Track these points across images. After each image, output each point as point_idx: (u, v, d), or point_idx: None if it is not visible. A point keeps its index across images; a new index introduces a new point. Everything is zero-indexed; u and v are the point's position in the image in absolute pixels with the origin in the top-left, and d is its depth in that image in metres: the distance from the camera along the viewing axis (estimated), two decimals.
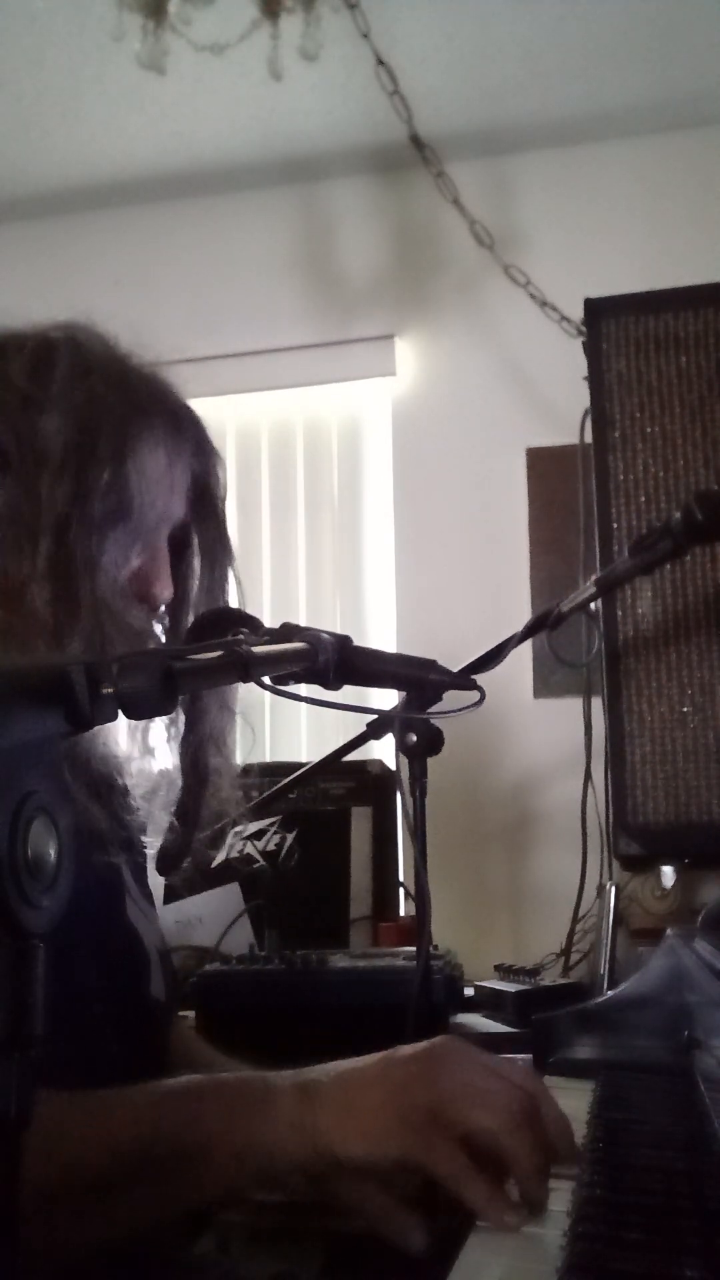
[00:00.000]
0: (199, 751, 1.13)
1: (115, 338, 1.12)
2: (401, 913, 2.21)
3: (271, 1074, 0.89)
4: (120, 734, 1.06)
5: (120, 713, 0.63)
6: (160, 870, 1.15)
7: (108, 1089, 0.86)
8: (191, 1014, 1.54)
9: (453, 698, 1.16)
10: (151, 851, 1.16)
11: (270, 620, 1.07)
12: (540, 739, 2.59)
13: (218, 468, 1.17)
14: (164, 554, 1.12)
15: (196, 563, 1.17)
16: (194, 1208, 0.90)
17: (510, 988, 1.73)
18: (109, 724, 0.98)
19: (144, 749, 1.07)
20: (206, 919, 1.89)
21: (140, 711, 0.64)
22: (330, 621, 2.87)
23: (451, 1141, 0.80)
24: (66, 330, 1.10)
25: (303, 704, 0.99)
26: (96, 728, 0.94)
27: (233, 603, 1.16)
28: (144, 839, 1.13)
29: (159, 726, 1.12)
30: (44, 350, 1.07)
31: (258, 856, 1.95)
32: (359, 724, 1.44)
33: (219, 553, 1.18)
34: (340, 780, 2.16)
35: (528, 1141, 0.80)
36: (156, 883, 1.23)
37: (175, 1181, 0.85)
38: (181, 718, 1.13)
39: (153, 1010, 1.10)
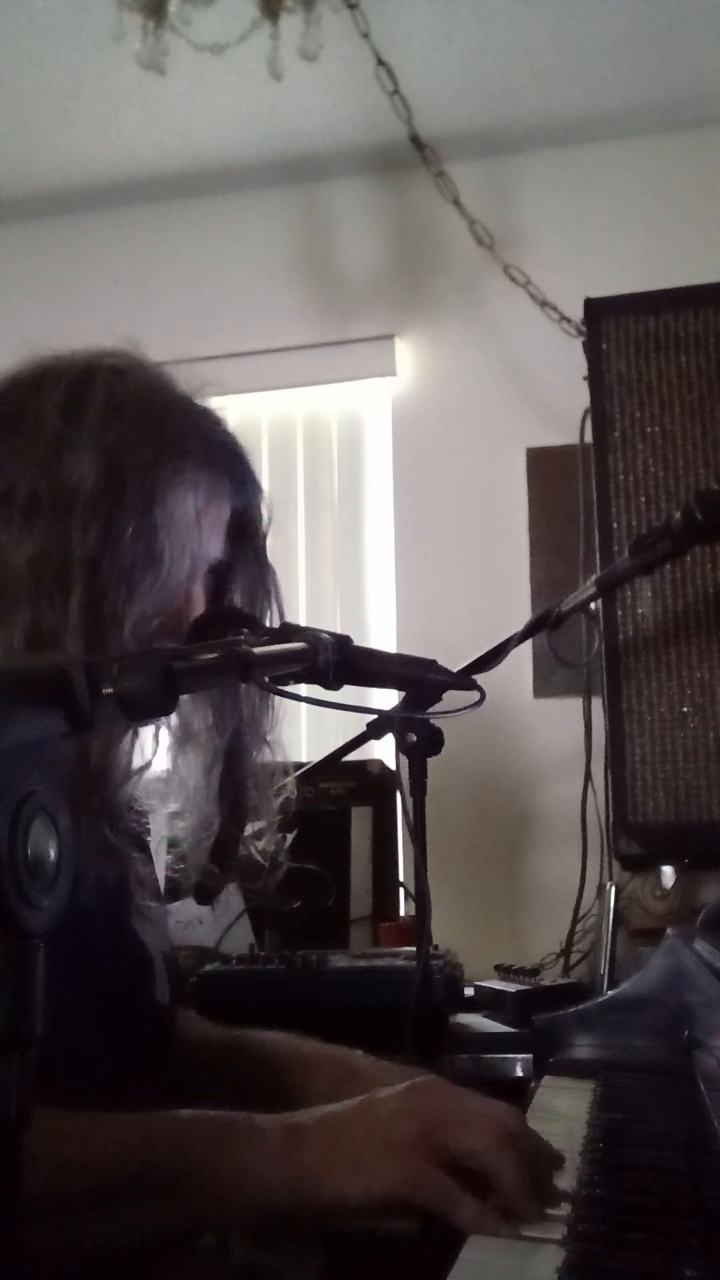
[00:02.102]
0: (239, 794, 1.12)
1: (159, 367, 1.10)
2: (401, 913, 2.21)
3: (259, 1115, 0.90)
4: (142, 746, 1.05)
5: (123, 715, 0.62)
6: (199, 901, 1.15)
7: (97, 1111, 0.86)
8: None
9: (453, 698, 1.16)
10: (165, 858, 1.16)
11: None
12: (540, 739, 2.59)
13: (259, 502, 1.14)
14: (198, 597, 1.09)
15: (238, 599, 1.15)
16: (178, 1234, 0.91)
17: (510, 988, 1.74)
18: (127, 736, 0.99)
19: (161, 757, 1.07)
20: (206, 919, 1.88)
21: (140, 711, 0.64)
22: (330, 621, 2.87)
23: (436, 1167, 0.82)
24: (109, 360, 1.07)
25: (303, 704, 0.99)
26: (107, 736, 0.94)
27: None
28: (150, 840, 1.13)
29: (196, 754, 1.10)
30: (81, 385, 1.04)
31: (258, 857, 1.94)
32: (359, 724, 1.44)
33: (260, 587, 1.16)
34: (340, 780, 2.16)
35: (511, 1158, 0.81)
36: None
37: (158, 1210, 0.85)
38: (218, 749, 1.11)
39: (156, 1014, 1.10)
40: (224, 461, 1.11)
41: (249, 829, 1.14)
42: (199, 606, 1.10)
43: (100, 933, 1.00)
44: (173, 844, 1.13)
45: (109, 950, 1.03)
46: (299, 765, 1.80)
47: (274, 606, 1.16)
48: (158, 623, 1.04)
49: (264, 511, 1.15)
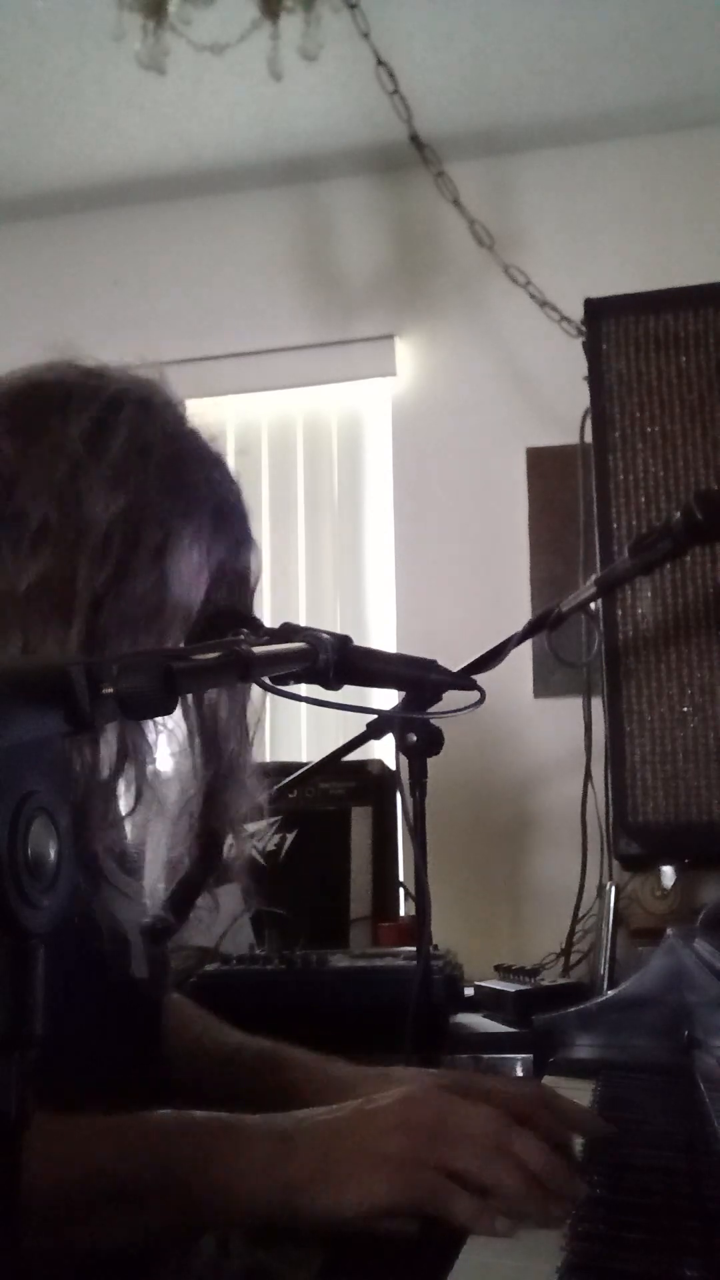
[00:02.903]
0: (212, 839, 1.11)
1: (181, 405, 1.08)
2: (401, 913, 2.21)
3: (245, 1118, 0.88)
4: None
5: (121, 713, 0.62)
6: (151, 941, 1.13)
7: (76, 1115, 0.85)
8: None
9: (453, 698, 1.16)
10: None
11: (270, 620, 1.07)
12: (540, 739, 2.59)
13: (255, 561, 1.13)
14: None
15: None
16: (162, 1241, 0.90)
17: (510, 988, 1.73)
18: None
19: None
20: (206, 919, 1.88)
21: (140, 711, 0.64)
22: (330, 621, 2.87)
23: (431, 1172, 0.81)
24: (137, 392, 1.06)
25: (303, 704, 0.98)
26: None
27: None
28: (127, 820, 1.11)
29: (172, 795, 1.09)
30: (108, 416, 1.02)
31: (258, 857, 1.95)
32: (359, 724, 1.44)
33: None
34: (340, 780, 2.16)
35: (507, 1170, 0.81)
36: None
37: (139, 1217, 0.85)
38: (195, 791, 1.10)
39: (135, 990, 1.09)
40: (231, 519, 1.10)
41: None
42: None
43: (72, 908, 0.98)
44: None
45: (80, 925, 1.01)
46: (299, 765, 1.80)
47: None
48: None
49: (257, 570, 1.14)
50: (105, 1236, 0.85)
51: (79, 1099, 0.83)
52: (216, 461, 1.10)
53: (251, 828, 1.16)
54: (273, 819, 2.01)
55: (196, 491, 1.06)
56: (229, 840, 1.11)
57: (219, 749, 1.10)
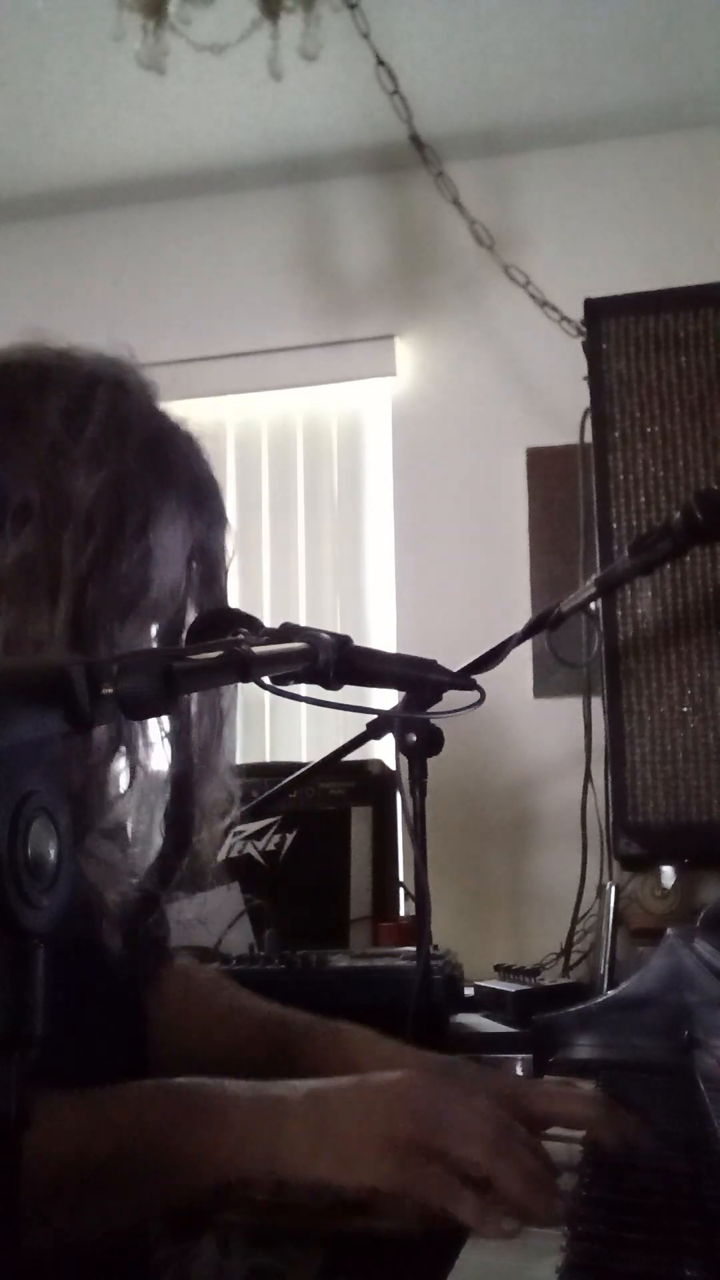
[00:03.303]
0: (184, 827, 1.09)
1: (154, 383, 1.08)
2: (401, 913, 2.21)
3: (229, 1082, 0.87)
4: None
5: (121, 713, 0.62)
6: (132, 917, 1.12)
7: (53, 1093, 0.85)
8: None
9: (453, 698, 1.16)
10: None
11: (270, 620, 1.07)
12: (540, 739, 2.59)
13: (228, 541, 1.13)
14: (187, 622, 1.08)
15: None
16: (150, 1215, 0.89)
17: (510, 988, 1.74)
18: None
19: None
20: (206, 919, 1.88)
21: (140, 711, 0.64)
22: (330, 621, 2.87)
23: (436, 1166, 0.80)
24: (112, 371, 1.06)
25: (303, 704, 0.98)
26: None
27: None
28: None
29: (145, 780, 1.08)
30: (84, 395, 1.02)
31: (258, 857, 1.95)
32: (359, 724, 1.44)
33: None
34: (340, 780, 2.16)
35: (513, 1165, 0.80)
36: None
37: (123, 1191, 0.83)
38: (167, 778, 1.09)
39: (105, 959, 1.06)
40: (208, 497, 1.10)
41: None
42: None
43: None
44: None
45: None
46: (299, 765, 1.80)
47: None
48: (141, 643, 1.03)
49: (229, 550, 1.14)
50: (92, 1221, 0.83)
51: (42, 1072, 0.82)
52: (190, 439, 1.10)
53: (251, 828, 1.16)
54: (272, 819, 2.01)
55: (175, 469, 1.06)
56: (201, 832, 1.10)
57: (188, 736, 1.09)
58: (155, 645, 1.07)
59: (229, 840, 1.95)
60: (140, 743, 1.02)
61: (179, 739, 1.09)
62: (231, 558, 1.14)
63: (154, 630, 1.05)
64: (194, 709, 1.09)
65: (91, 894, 1.03)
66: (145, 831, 1.06)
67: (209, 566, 1.10)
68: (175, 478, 1.06)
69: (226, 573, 1.13)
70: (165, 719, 1.07)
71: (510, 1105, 0.88)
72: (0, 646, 0.95)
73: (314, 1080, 0.88)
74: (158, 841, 1.07)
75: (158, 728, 1.06)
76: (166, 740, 1.07)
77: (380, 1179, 0.81)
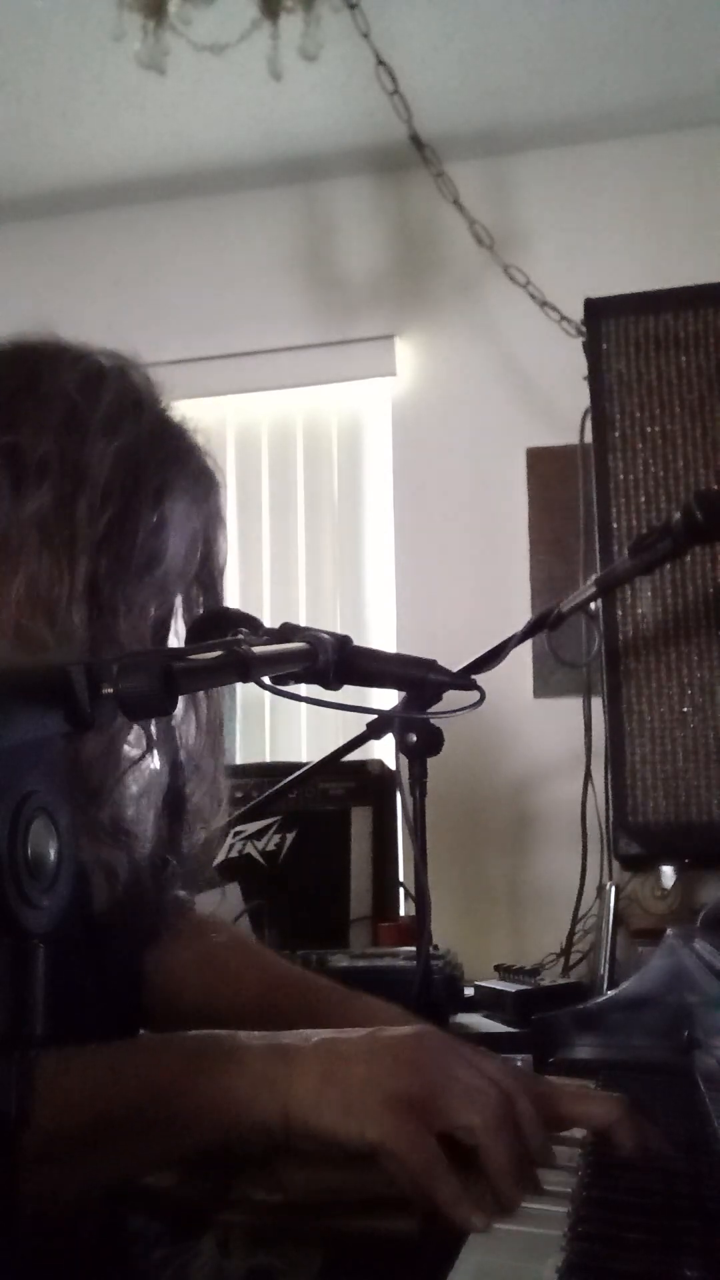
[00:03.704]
0: (175, 836, 1.09)
1: (158, 383, 1.10)
2: (401, 913, 2.21)
3: (241, 1032, 0.87)
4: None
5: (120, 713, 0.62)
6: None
7: (61, 1049, 0.85)
8: None
9: (453, 698, 1.16)
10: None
11: (270, 620, 1.07)
12: (540, 739, 2.59)
13: (224, 539, 1.14)
14: (176, 613, 1.09)
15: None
16: (163, 1166, 0.89)
17: (510, 988, 1.73)
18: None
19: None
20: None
21: (140, 711, 0.64)
22: (330, 621, 2.87)
23: (428, 1133, 0.80)
24: (115, 359, 1.08)
25: (303, 704, 0.99)
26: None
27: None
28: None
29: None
30: (96, 372, 1.05)
31: (258, 857, 1.95)
32: (359, 724, 1.44)
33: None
34: (340, 780, 2.16)
35: (505, 1143, 0.80)
36: None
37: (136, 1141, 0.84)
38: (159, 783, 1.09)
39: (93, 927, 1.06)
40: (209, 490, 1.11)
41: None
42: (174, 624, 1.09)
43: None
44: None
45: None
46: (299, 765, 1.80)
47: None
48: (154, 618, 1.04)
49: (225, 548, 1.14)
50: (97, 1172, 0.84)
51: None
52: (195, 433, 1.11)
53: (251, 828, 1.16)
54: (272, 819, 2.01)
55: (186, 453, 1.07)
56: (192, 831, 1.10)
57: (179, 735, 1.10)
58: (156, 624, 1.08)
59: (229, 840, 1.95)
60: (150, 738, 1.03)
61: (174, 738, 1.09)
62: (225, 557, 1.15)
63: (158, 604, 1.05)
64: (191, 711, 1.10)
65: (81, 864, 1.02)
66: (141, 826, 1.06)
67: (207, 560, 1.11)
68: (186, 460, 1.07)
69: (223, 571, 1.14)
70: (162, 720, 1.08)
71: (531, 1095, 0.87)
72: (23, 598, 0.95)
73: (326, 1030, 0.88)
74: (148, 837, 1.07)
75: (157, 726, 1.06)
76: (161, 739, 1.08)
77: (379, 1134, 0.80)
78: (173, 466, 1.05)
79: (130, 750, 1.03)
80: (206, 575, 1.12)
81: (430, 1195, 0.78)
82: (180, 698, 1.02)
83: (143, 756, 1.03)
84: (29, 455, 0.98)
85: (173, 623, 1.09)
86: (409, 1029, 0.88)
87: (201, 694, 1.10)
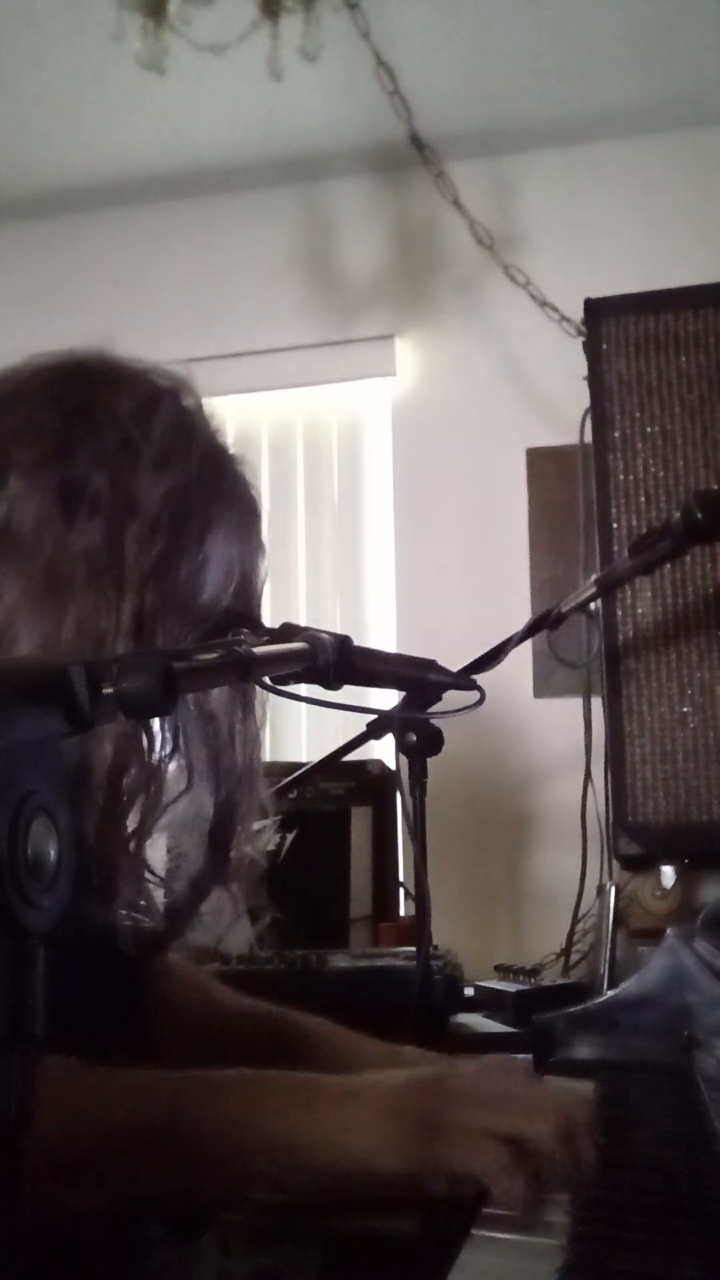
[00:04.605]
0: (223, 854, 1.11)
1: (210, 407, 1.10)
2: (401, 913, 2.21)
3: (315, 1076, 0.89)
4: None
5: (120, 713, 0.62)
6: (139, 952, 1.12)
7: (127, 1067, 0.86)
8: None
9: (453, 698, 1.16)
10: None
11: (270, 620, 1.07)
12: (540, 739, 2.59)
13: (263, 568, 1.16)
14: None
15: None
16: (216, 1198, 0.90)
17: (510, 988, 1.74)
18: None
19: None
20: (206, 919, 1.88)
21: (140, 711, 0.64)
22: (330, 621, 2.87)
23: (499, 1146, 0.81)
24: (169, 381, 1.08)
25: (303, 704, 0.99)
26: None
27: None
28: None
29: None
30: (150, 398, 1.04)
31: (258, 857, 1.94)
32: (359, 724, 1.44)
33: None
34: (340, 780, 2.16)
35: (571, 1151, 0.82)
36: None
37: (189, 1169, 0.85)
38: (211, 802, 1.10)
39: (110, 939, 1.07)
40: (254, 521, 1.13)
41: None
42: None
43: None
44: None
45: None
46: (299, 765, 1.80)
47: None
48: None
49: (264, 573, 1.16)
50: (166, 1190, 0.85)
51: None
52: (242, 462, 1.12)
53: (257, 826, 1.16)
54: (272, 819, 2.01)
55: (232, 485, 1.08)
56: (237, 841, 1.12)
57: (230, 752, 1.10)
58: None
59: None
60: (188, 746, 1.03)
61: (216, 754, 1.09)
62: (264, 585, 1.17)
63: (200, 635, 1.05)
64: (229, 719, 1.10)
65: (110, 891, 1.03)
66: (183, 841, 1.07)
67: (245, 589, 1.11)
68: (232, 493, 1.08)
69: (259, 599, 1.14)
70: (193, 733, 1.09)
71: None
72: (73, 631, 0.96)
73: (393, 1073, 0.90)
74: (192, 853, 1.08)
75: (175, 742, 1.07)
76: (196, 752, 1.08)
77: (446, 1163, 0.82)
78: (218, 501, 1.05)
79: (170, 782, 1.04)
80: (244, 601, 1.12)
81: (499, 1195, 0.80)
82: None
83: (186, 790, 1.03)
84: (82, 486, 0.98)
85: None
86: (474, 1066, 0.91)
87: (249, 704, 1.11)
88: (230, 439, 1.14)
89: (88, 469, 0.99)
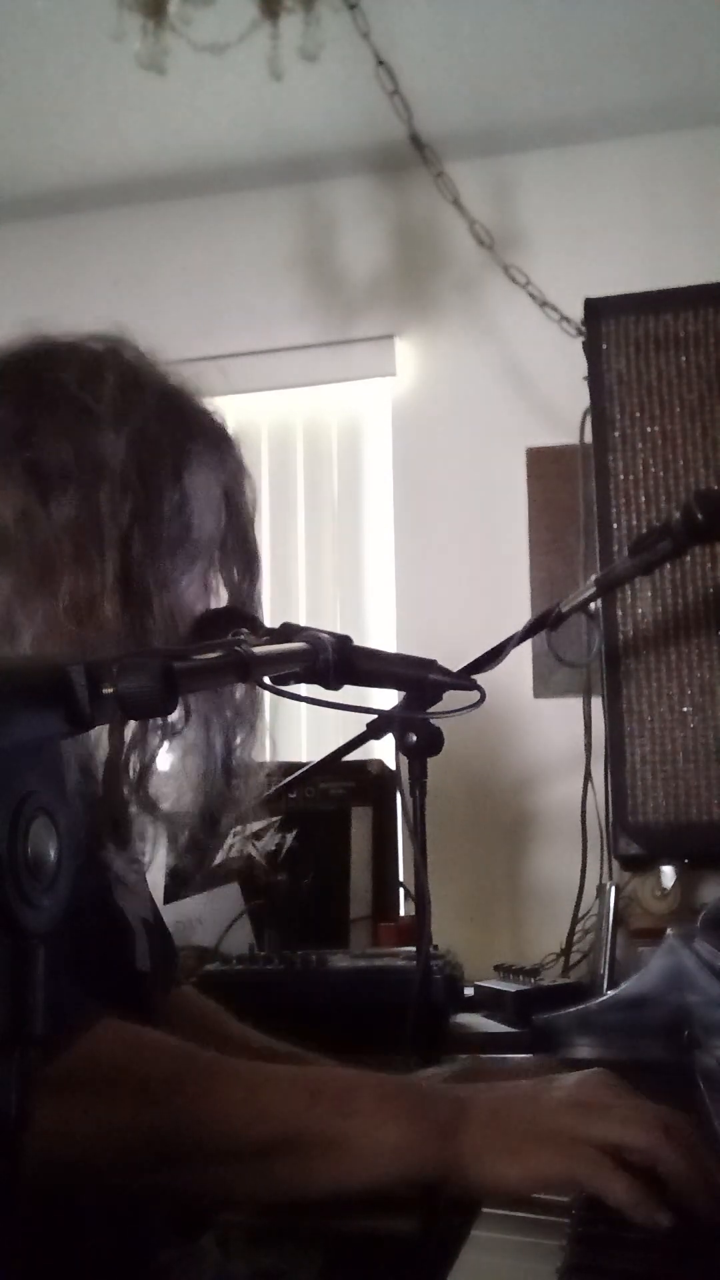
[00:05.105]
0: (219, 816, 1.12)
1: (152, 350, 1.12)
2: (401, 913, 2.21)
3: (430, 1084, 0.91)
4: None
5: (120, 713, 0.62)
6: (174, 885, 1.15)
7: (263, 1062, 0.87)
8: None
9: (453, 698, 1.16)
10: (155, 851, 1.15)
11: (270, 620, 1.07)
12: (540, 739, 2.59)
13: (249, 486, 1.17)
14: (211, 580, 1.12)
15: (225, 581, 1.16)
16: (327, 1196, 0.90)
17: (510, 988, 1.73)
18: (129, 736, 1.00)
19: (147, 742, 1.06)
20: (206, 919, 1.88)
21: (140, 711, 0.64)
22: (330, 621, 2.87)
23: (595, 1149, 0.81)
24: (106, 342, 1.10)
25: (303, 704, 0.99)
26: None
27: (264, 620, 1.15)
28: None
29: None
30: (93, 360, 1.07)
31: (258, 857, 1.95)
32: (359, 724, 1.44)
33: (249, 572, 1.17)
34: (340, 780, 2.16)
35: (678, 1151, 0.80)
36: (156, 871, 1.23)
37: (313, 1166, 0.85)
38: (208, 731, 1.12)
39: (138, 983, 1.10)
40: (224, 445, 1.14)
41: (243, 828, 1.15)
42: (211, 591, 1.12)
43: (77, 901, 0.99)
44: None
45: (87, 918, 1.02)
46: (299, 765, 1.80)
47: (255, 591, 1.17)
48: (190, 590, 1.07)
49: (252, 495, 1.17)
50: (269, 1184, 0.86)
51: None
52: (199, 392, 1.14)
53: (251, 828, 1.17)
54: (273, 819, 2.01)
55: (195, 417, 1.10)
56: (228, 831, 1.13)
57: (226, 738, 1.12)
58: (202, 589, 1.10)
59: (229, 840, 1.95)
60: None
61: (210, 739, 1.11)
62: (256, 508, 1.17)
63: (191, 576, 1.07)
64: (228, 711, 1.12)
65: (125, 920, 1.05)
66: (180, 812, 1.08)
67: (236, 515, 1.13)
68: (197, 425, 1.10)
69: (253, 521, 1.16)
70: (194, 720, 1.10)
71: None
72: (68, 607, 0.98)
73: (499, 1086, 0.90)
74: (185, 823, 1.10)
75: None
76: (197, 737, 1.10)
77: (543, 1169, 0.82)
78: (186, 438, 1.07)
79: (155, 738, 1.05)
80: (238, 527, 1.13)
81: (609, 1199, 0.78)
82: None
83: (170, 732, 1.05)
84: (49, 464, 1.01)
85: (214, 582, 1.11)
86: (573, 1077, 0.90)
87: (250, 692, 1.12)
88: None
89: (51, 447, 1.01)
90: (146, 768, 1.03)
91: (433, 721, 1.17)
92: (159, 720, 1.03)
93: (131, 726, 1.01)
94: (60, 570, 0.99)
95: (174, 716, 1.05)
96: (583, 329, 1.98)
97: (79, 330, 1.10)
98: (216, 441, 1.12)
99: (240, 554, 1.15)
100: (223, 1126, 0.83)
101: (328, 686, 1.00)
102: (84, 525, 1.00)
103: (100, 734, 0.99)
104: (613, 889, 1.90)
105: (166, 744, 1.06)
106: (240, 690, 1.13)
